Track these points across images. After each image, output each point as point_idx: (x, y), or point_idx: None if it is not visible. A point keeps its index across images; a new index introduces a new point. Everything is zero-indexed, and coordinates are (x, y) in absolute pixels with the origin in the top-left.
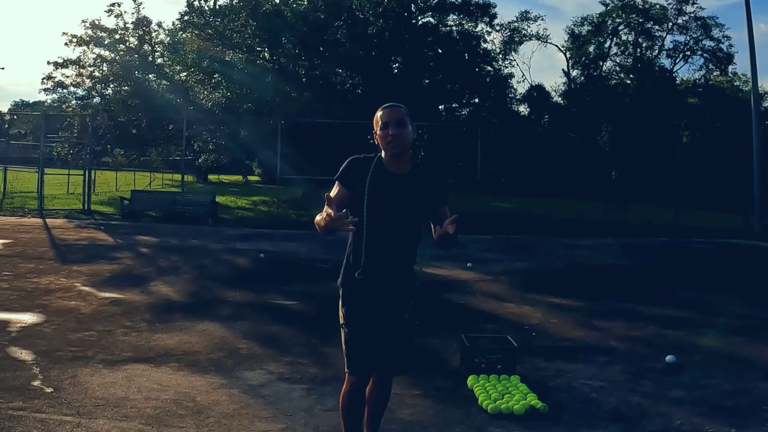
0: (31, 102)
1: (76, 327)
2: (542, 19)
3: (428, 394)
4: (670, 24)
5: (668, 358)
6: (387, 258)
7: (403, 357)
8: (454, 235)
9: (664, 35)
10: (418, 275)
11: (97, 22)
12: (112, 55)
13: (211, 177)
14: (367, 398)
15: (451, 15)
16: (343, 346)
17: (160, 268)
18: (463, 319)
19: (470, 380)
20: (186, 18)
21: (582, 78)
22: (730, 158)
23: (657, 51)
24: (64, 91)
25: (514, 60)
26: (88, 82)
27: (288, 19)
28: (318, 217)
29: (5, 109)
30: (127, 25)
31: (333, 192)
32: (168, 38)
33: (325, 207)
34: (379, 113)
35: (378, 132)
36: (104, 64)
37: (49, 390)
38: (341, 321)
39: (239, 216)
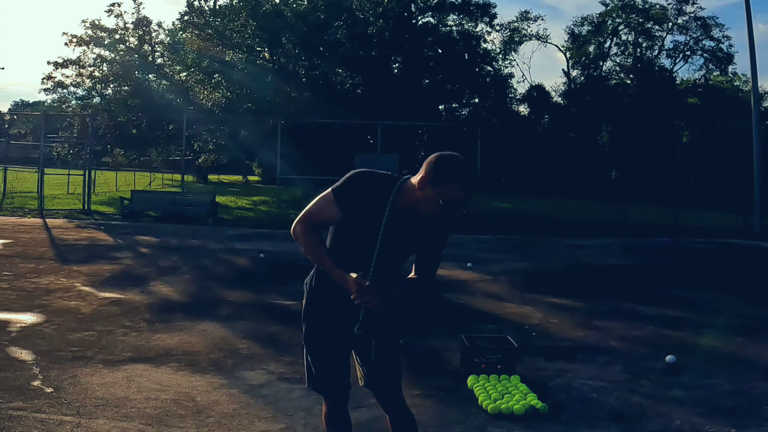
0: (31, 102)
1: (76, 327)
2: (542, 19)
3: (428, 394)
4: (670, 24)
5: (668, 358)
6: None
7: (386, 382)
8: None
9: (664, 35)
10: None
11: (97, 22)
12: (112, 55)
13: (211, 177)
14: None
15: (451, 15)
16: (307, 364)
17: (160, 268)
18: (463, 319)
19: (470, 380)
20: (186, 18)
21: (582, 78)
22: (730, 158)
23: (657, 51)
24: (64, 91)
25: (514, 60)
26: (88, 82)
27: (288, 19)
28: (311, 243)
29: (5, 109)
30: (127, 25)
31: (322, 206)
32: (168, 38)
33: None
34: (460, 184)
35: (443, 194)
36: (104, 64)
37: (49, 390)
38: (305, 335)
39: (239, 216)
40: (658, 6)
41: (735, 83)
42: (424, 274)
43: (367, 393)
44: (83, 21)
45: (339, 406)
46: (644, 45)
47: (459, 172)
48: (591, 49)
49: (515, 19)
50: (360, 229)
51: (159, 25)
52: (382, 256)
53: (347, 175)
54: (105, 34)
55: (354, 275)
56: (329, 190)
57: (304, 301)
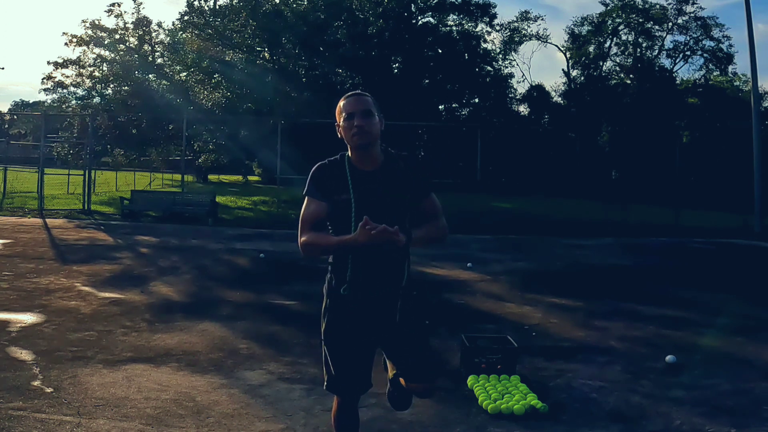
0: (31, 102)
1: (76, 327)
2: (542, 19)
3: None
4: (670, 24)
5: (668, 358)
6: (375, 267)
7: (419, 363)
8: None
9: (664, 35)
10: (406, 273)
11: (97, 22)
12: (112, 55)
13: (211, 177)
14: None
15: (451, 15)
16: (325, 365)
17: (160, 268)
18: (463, 319)
19: (470, 380)
20: (186, 18)
21: (582, 78)
22: (730, 158)
23: (657, 51)
24: (64, 91)
25: (514, 60)
26: (88, 82)
27: (288, 19)
28: (313, 238)
29: (5, 109)
30: (127, 25)
31: (306, 211)
32: (168, 38)
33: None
34: (342, 103)
35: (341, 124)
36: (104, 64)
37: (49, 390)
38: (322, 336)
39: (239, 216)
40: (658, 6)
41: (735, 83)
42: (430, 219)
43: (368, 393)
44: (83, 21)
45: (352, 404)
46: (644, 45)
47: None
48: (591, 49)
49: (515, 19)
50: (344, 208)
51: (159, 25)
52: (361, 216)
53: (309, 176)
54: (105, 34)
55: (362, 223)
56: (306, 196)
57: (326, 300)
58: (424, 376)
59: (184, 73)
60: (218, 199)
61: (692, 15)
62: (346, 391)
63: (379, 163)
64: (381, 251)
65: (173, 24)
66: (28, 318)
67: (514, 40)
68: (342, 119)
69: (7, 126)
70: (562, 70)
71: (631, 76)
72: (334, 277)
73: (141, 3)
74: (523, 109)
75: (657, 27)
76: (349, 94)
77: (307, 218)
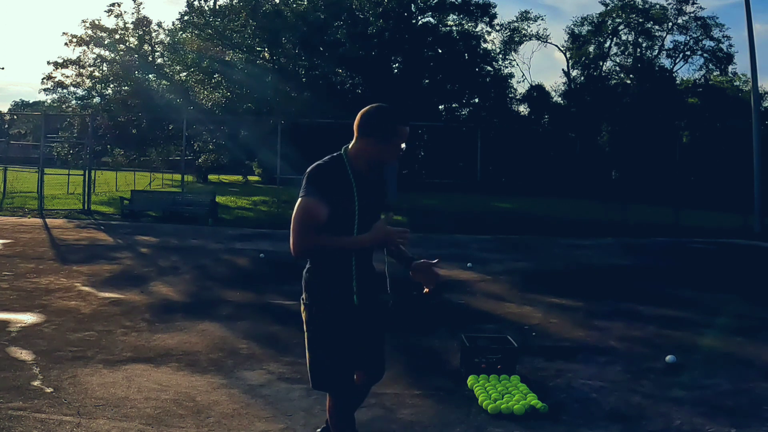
0: (31, 102)
1: (76, 327)
2: (542, 19)
3: (428, 394)
4: (670, 24)
5: (668, 358)
6: (369, 269)
7: (381, 359)
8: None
9: (664, 35)
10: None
11: (97, 22)
12: (112, 55)
13: (211, 177)
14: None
15: (451, 15)
16: (328, 370)
17: (160, 268)
18: (463, 319)
19: (470, 380)
20: (186, 18)
21: (582, 78)
22: (730, 158)
23: (657, 51)
24: (64, 91)
25: (514, 60)
26: (88, 82)
27: (288, 19)
28: (324, 240)
29: (5, 109)
30: (127, 25)
31: (306, 212)
32: (168, 38)
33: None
34: (404, 129)
35: (392, 142)
36: (104, 64)
37: (49, 390)
38: (323, 343)
39: (239, 216)
40: (658, 6)
41: (735, 83)
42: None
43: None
44: (83, 21)
45: (350, 402)
46: (644, 45)
47: (395, 115)
48: (591, 49)
49: (515, 19)
50: (348, 212)
51: (159, 25)
52: (362, 220)
53: (307, 177)
54: (105, 34)
55: (378, 224)
56: (303, 197)
57: (328, 308)
58: (382, 371)
59: (184, 73)
60: (218, 199)
61: (692, 15)
62: (343, 386)
63: (373, 170)
64: (369, 250)
65: (173, 24)
66: (28, 318)
67: (514, 40)
68: (395, 140)
69: (7, 126)
70: (562, 70)
71: (631, 76)
72: (334, 284)
73: (141, 3)
74: (523, 109)
75: (657, 27)
76: (406, 118)
77: (308, 220)
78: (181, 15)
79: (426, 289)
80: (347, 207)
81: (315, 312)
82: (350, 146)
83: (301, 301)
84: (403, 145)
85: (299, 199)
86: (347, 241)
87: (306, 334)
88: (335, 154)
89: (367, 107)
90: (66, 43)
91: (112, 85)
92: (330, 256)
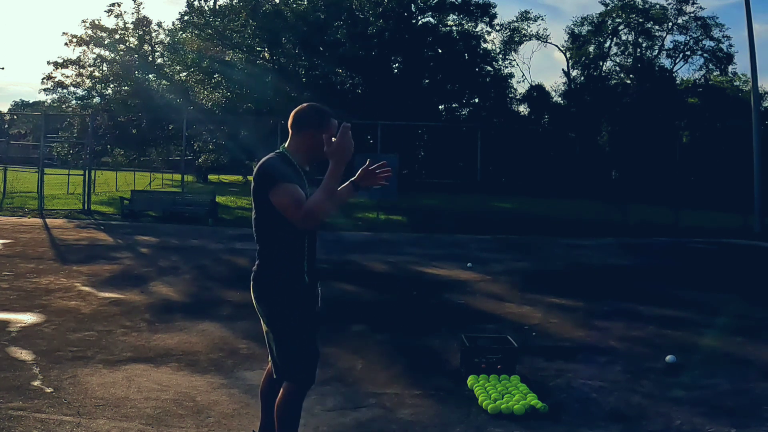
0: (31, 102)
1: (76, 327)
2: (542, 19)
3: (428, 394)
4: (670, 24)
5: (668, 358)
6: (314, 256)
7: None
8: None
9: (664, 35)
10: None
11: (97, 22)
12: (112, 55)
13: (211, 177)
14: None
15: (451, 15)
16: (299, 356)
17: (160, 268)
18: (463, 319)
19: (470, 380)
20: (186, 18)
21: (582, 78)
22: (730, 158)
23: (657, 51)
24: (64, 91)
25: (514, 60)
26: (88, 82)
27: (288, 19)
28: (326, 198)
29: (5, 109)
30: (127, 25)
31: (294, 191)
32: (168, 38)
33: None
34: (334, 121)
35: (327, 134)
36: (104, 64)
37: (49, 390)
38: (295, 328)
39: (239, 216)
40: (658, 6)
41: (735, 83)
42: None
43: (367, 393)
44: (83, 21)
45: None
46: (644, 45)
47: (325, 109)
48: (591, 49)
49: (515, 19)
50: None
51: (159, 25)
52: None
53: (269, 168)
54: (105, 34)
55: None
56: (283, 182)
57: (290, 292)
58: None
59: (184, 73)
60: (218, 199)
61: (692, 15)
62: (313, 377)
63: (309, 164)
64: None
65: (173, 24)
66: (28, 318)
67: (514, 40)
68: (328, 131)
69: (7, 126)
70: (562, 70)
71: (631, 76)
72: (290, 268)
73: (141, 3)
74: (523, 109)
75: (657, 27)
76: (332, 113)
77: (299, 195)
78: (181, 15)
79: (377, 184)
80: (304, 193)
81: (282, 309)
82: (287, 144)
83: (264, 308)
84: (334, 138)
85: (278, 186)
86: (330, 181)
87: (277, 330)
88: (278, 151)
89: (298, 107)
90: (66, 43)
91: (112, 85)
92: (284, 245)
